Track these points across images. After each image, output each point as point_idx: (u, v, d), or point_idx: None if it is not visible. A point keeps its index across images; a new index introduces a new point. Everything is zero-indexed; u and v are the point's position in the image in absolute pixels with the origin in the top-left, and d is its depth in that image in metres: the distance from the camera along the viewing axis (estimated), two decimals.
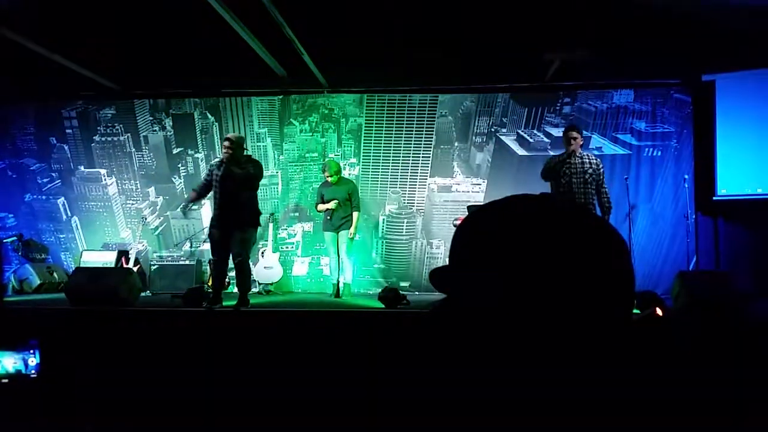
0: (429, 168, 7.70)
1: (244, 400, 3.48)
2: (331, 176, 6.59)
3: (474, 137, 7.68)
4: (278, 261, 7.27)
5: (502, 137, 7.61)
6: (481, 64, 7.07)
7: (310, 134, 7.90)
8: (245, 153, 5.62)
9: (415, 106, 7.68)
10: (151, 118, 8.15)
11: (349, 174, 7.55)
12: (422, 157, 7.69)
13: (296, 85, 7.65)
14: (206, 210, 7.61)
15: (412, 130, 7.69)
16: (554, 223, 0.68)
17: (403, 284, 7.41)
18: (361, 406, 3.19)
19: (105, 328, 4.51)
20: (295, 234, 7.87)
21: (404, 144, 7.70)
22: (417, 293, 7.33)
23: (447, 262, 0.74)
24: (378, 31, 6.17)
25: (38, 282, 7.24)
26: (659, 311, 3.80)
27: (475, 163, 7.69)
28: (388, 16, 5.83)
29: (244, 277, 5.44)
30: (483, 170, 7.67)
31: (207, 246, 6.43)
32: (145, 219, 7.93)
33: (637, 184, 7.21)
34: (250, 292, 5.72)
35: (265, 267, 7.17)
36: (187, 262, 7.48)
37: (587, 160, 5.58)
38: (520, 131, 7.57)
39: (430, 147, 7.69)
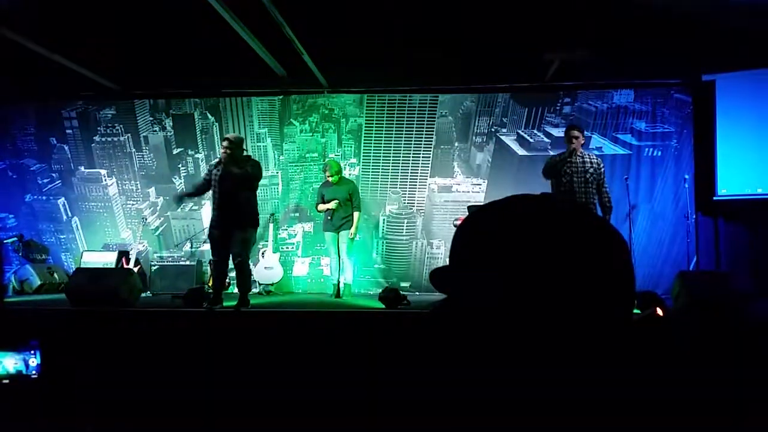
0: (429, 168, 7.70)
1: (245, 401, 3.48)
2: (332, 176, 6.60)
3: (474, 137, 7.68)
4: (278, 261, 7.27)
5: (503, 137, 7.61)
6: (481, 64, 7.07)
7: (311, 134, 7.91)
8: (244, 153, 5.61)
9: (415, 106, 7.68)
10: (151, 119, 8.15)
11: (350, 174, 7.55)
12: (422, 157, 7.69)
13: (296, 85, 7.66)
14: (206, 210, 7.61)
15: (413, 131, 7.69)
16: (554, 223, 0.68)
17: (403, 284, 7.41)
18: (362, 407, 3.19)
19: (105, 328, 4.51)
20: (296, 234, 7.87)
21: (404, 144, 7.70)
22: (417, 293, 7.33)
23: (447, 263, 0.74)
24: (378, 31, 6.17)
25: (39, 282, 7.24)
26: (659, 311, 3.80)
27: (476, 163, 7.69)
28: (388, 16, 5.83)
29: (245, 278, 5.43)
30: (483, 170, 7.67)
31: (207, 246, 6.43)
32: (146, 219, 7.93)
33: (637, 184, 7.21)
34: (251, 293, 5.72)
35: (266, 267, 7.17)
36: (187, 263, 7.48)
37: (588, 160, 5.58)
38: (520, 131, 7.57)
39: (431, 147, 7.69)
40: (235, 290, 5.64)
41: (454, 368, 0.69)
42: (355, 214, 6.68)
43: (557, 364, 0.64)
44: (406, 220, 7.70)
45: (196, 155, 8.07)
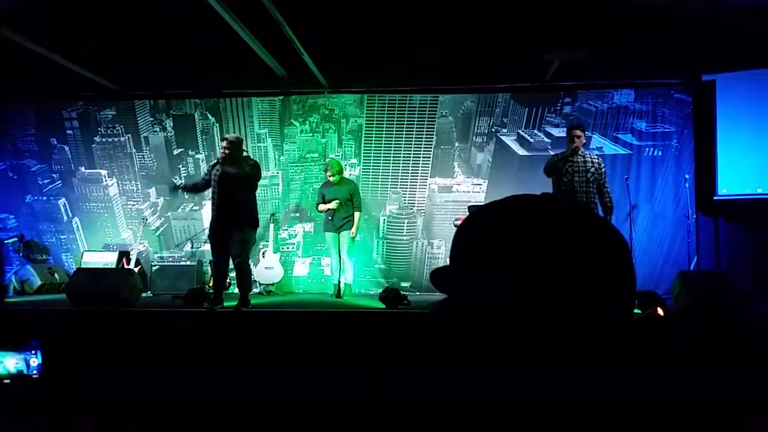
0: (429, 168, 7.70)
1: (246, 401, 3.48)
2: (333, 175, 6.60)
3: (474, 137, 7.68)
4: (279, 261, 7.27)
5: (503, 137, 7.61)
6: (481, 64, 7.07)
7: (311, 135, 7.91)
8: (244, 154, 5.61)
9: (415, 107, 7.68)
10: (151, 119, 8.16)
11: (350, 174, 7.55)
12: (423, 157, 7.69)
13: (297, 85, 7.66)
14: (207, 210, 7.61)
15: (413, 131, 7.69)
16: (555, 223, 0.68)
17: (403, 285, 7.42)
18: (362, 407, 3.19)
19: (106, 328, 4.51)
20: (296, 234, 7.87)
21: (405, 144, 7.70)
22: (418, 294, 7.33)
23: (448, 263, 0.74)
24: (378, 31, 6.17)
25: (39, 283, 7.25)
26: (660, 311, 3.80)
27: (476, 163, 7.69)
28: (389, 16, 5.83)
29: (245, 278, 5.43)
30: (484, 170, 7.67)
31: (208, 246, 6.43)
32: (146, 220, 7.93)
33: (637, 184, 7.21)
34: (251, 293, 5.71)
35: (266, 267, 7.17)
36: (188, 263, 7.49)
37: (589, 159, 5.58)
38: (520, 131, 7.57)
39: (431, 147, 7.69)
40: (236, 290, 5.65)
41: (454, 368, 0.69)
42: (356, 215, 6.68)
43: (557, 364, 0.64)
44: (406, 220, 7.70)
45: (197, 156, 8.07)
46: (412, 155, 7.70)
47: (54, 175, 8.26)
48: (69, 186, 8.23)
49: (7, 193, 8.27)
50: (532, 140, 7.53)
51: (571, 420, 0.64)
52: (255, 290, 6.82)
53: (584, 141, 5.60)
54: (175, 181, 5.85)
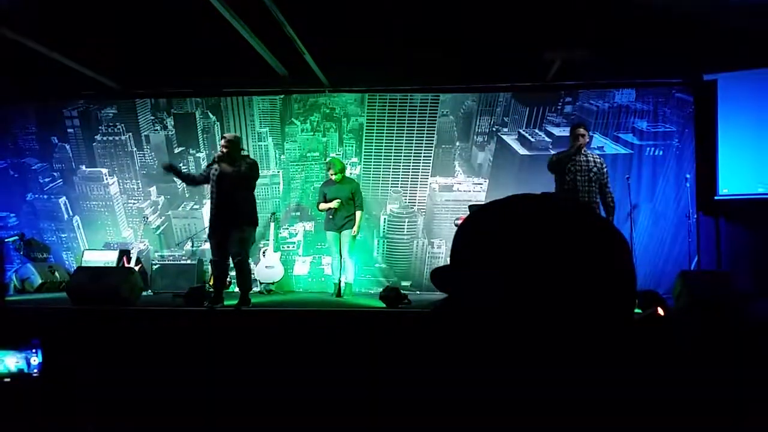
0: (430, 167, 7.70)
1: (246, 400, 3.49)
2: (335, 174, 6.60)
3: (475, 137, 7.68)
4: (279, 260, 7.27)
5: (504, 137, 7.60)
6: (482, 63, 7.07)
7: (312, 134, 7.91)
8: (243, 153, 5.61)
9: (416, 106, 7.68)
10: (152, 118, 8.16)
11: (351, 173, 7.55)
12: (423, 156, 7.69)
13: (297, 84, 7.66)
14: (207, 209, 7.61)
15: (414, 130, 7.69)
16: (555, 223, 0.68)
17: (404, 284, 7.42)
18: (362, 406, 3.19)
19: (107, 327, 4.52)
20: (297, 233, 7.87)
21: (405, 143, 7.70)
22: (418, 293, 7.34)
23: (448, 262, 0.74)
24: (379, 30, 6.17)
25: (40, 281, 7.25)
26: (660, 311, 3.80)
27: (477, 162, 7.69)
28: (389, 15, 5.83)
29: (245, 277, 5.43)
30: (484, 170, 7.66)
31: (208, 245, 6.43)
32: (147, 218, 7.94)
33: (638, 183, 7.21)
34: (252, 292, 5.72)
35: (267, 266, 7.17)
36: (188, 262, 7.49)
37: (592, 159, 5.59)
38: (521, 131, 7.57)
39: (432, 146, 7.69)
40: (236, 289, 5.65)
41: (454, 368, 0.69)
42: (358, 213, 6.68)
43: (558, 364, 0.64)
44: (407, 220, 7.70)
45: (198, 154, 8.08)
46: (413, 154, 7.70)
47: (55, 174, 8.27)
48: (70, 184, 8.23)
49: (8, 192, 8.28)
50: (533, 140, 7.53)
51: (571, 420, 0.64)
52: (255, 289, 6.82)
53: (588, 140, 5.61)
54: (171, 164, 5.81)
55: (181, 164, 8.07)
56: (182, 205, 8.07)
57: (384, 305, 5.35)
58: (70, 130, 8.24)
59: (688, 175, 6.93)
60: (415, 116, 7.68)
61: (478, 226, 0.72)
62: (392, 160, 7.73)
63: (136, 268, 6.87)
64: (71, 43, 6.68)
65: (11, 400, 3.47)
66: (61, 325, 4.50)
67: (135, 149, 8.16)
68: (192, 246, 7.82)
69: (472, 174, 7.68)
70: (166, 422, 3.37)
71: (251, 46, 6.28)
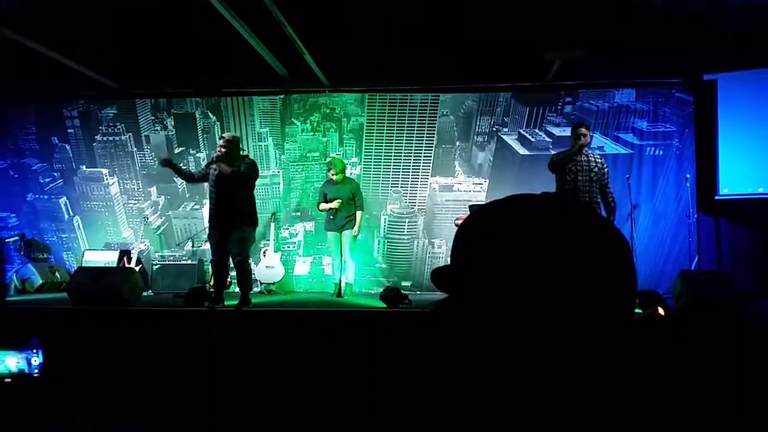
0: (430, 167, 7.70)
1: (246, 400, 3.49)
2: (336, 174, 6.59)
3: (475, 137, 7.68)
4: (280, 260, 7.27)
5: (504, 137, 7.60)
6: (482, 63, 7.07)
7: (312, 134, 7.91)
8: (242, 153, 5.61)
9: (416, 106, 7.68)
10: (152, 118, 8.16)
11: (351, 173, 7.55)
12: (424, 156, 7.69)
13: (297, 84, 7.66)
14: (207, 209, 7.62)
15: (414, 130, 7.69)
16: (555, 223, 0.68)
17: (404, 284, 7.42)
18: (363, 406, 3.19)
19: (107, 327, 4.52)
20: (297, 233, 7.87)
21: (406, 143, 7.70)
22: (418, 293, 7.34)
23: (449, 262, 0.74)
24: (379, 30, 6.17)
25: (40, 281, 7.25)
26: (661, 311, 3.80)
27: (477, 162, 7.69)
28: (389, 15, 5.83)
29: (245, 277, 5.43)
30: (485, 170, 7.66)
31: (208, 245, 6.43)
32: (147, 218, 7.94)
33: (638, 183, 7.20)
34: (252, 292, 5.72)
35: (267, 266, 7.17)
36: (188, 262, 7.49)
37: (593, 159, 5.59)
38: (521, 131, 7.57)
39: (432, 146, 7.68)
40: (237, 289, 5.65)
41: (454, 368, 0.69)
42: (358, 213, 6.67)
43: (558, 364, 0.64)
44: (407, 220, 7.70)
45: (198, 154, 8.07)
46: (413, 154, 7.70)
47: (55, 174, 8.27)
48: (70, 185, 8.23)
49: (8, 192, 8.28)
50: (533, 139, 7.53)
51: (571, 420, 0.64)
52: (256, 289, 6.82)
53: (589, 141, 5.61)
54: (172, 160, 5.80)
55: (181, 164, 8.06)
56: (182, 206, 8.07)
57: (384, 305, 5.35)
58: (70, 130, 8.24)
59: (688, 175, 6.93)
60: (415, 116, 7.68)
61: (479, 226, 0.72)
62: (392, 160, 7.73)
63: (137, 269, 6.87)
64: (71, 43, 6.68)
65: (12, 401, 3.47)
66: (62, 326, 4.50)
67: (135, 149, 8.16)
68: (192, 246, 7.82)
69: (472, 174, 7.68)
70: (166, 422, 3.37)
71: (251, 46, 6.28)
